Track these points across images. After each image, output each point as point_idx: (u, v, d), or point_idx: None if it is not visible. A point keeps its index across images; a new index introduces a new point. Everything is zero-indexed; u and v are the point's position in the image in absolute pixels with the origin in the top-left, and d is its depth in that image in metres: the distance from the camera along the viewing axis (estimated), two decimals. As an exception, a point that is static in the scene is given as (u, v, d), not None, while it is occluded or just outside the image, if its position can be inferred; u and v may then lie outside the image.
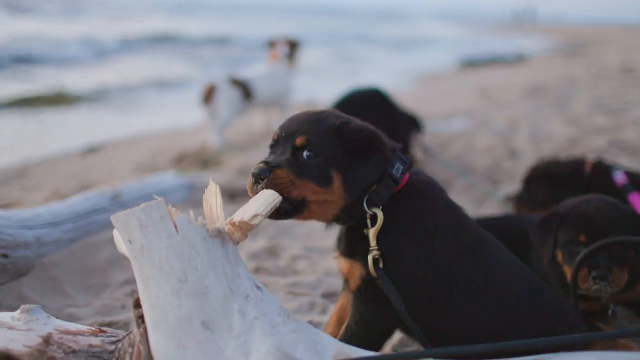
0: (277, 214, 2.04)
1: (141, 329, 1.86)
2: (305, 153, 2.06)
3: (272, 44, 8.21)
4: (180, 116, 10.27)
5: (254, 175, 2.03)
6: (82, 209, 3.83)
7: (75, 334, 1.99)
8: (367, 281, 2.15)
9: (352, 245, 2.19)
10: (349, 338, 2.21)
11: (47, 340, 1.95)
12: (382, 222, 2.11)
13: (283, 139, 2.13)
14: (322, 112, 2.21)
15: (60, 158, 7.96)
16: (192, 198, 4.73)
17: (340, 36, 32.12)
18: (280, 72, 8.01)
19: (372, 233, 2.12)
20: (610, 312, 2.71)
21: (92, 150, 8.17)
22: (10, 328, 1.99)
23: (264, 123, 8.45)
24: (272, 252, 3.81)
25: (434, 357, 1.78)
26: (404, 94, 11.79)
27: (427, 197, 2.23)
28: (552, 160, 4.00)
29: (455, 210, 2.31)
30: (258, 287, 1.89)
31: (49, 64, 16.85)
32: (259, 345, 1.75)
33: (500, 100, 9.78)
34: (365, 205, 2.12)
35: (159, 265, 1.82)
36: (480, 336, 2.08)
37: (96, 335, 2.00)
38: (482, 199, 4.89)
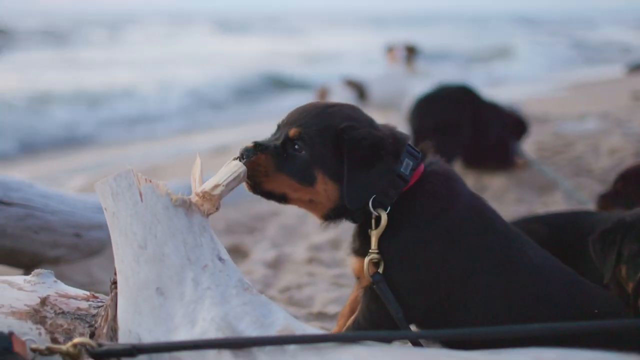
0: (255, 191, 2.04)
1: (113, 294, 1.93)
2: (294, 146, 1.98)
3: (390, 50, 8.18)
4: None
5: (241, 151, 2.00)
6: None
7: (69, 297, 2.11)
8: None
9: (362, 244, 2.09)
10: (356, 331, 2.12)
11: (44, 301, 2.08)
12: (384, 225, 1.99)
13: (283, 125, 2.06)
14: (333, 107, 2.08)
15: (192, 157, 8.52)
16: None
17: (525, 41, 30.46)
18: (397, 75, 7.93)
19: (374, 235, 2.01)
20: None
21: (221, 150, 8.63)
22: (20, 289, 2.15)
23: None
24: (335, 244, 3.76)
25: (375, 340, 1.65)
26: (550, 99, 11.10)
27: (441, 192, 2.06)
28: None
29: (477, 204, 2.14)
30: (220, 259, 1.88)
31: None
32: (206, 314, 1.74)
33: (650, 101, 8.81)
34: (370, 205, 1.99)
35: (124, 231, 1.87)
36: None
37: (87, 300, 2.10)
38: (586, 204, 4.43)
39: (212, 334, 1.69)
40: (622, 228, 2.26)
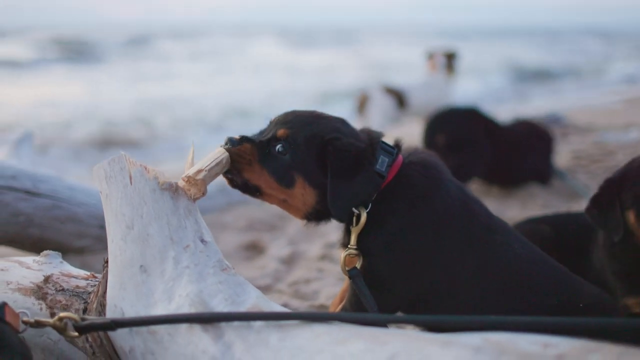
0: (232, 184, 2.13)
1: (104, 272, 2.05)
2: (278, 146, 2.05)
3: (430, 56, 8.18)
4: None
5: (226, 140, 2.09)
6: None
7: (71, 276, 2.24)
8: (363, 270, 2.10)
9: (348, 240, 2.15)
10: None
11: (47, 279, 2.21)
12: (364, 223, 2.04)
13: (274, 123, 2.13)
14: (325, 118, 2.15)
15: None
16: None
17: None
18: (437, 83, 7.93)
19: (354, 232, 2.07)
20: None
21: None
22: (28, 268, 2.30)
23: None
24: (350, 243, 3.80)
25: (336, 320, 1.70)
26: (599, 111, 10.82)
27: (418, 182, 2.09)
28: None
29: (459, 192, 2.16)
30: (203, 241, 1.97)
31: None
32: (182, 290, 1.83)
33: None
34: None
35: (115, 212, 1.99)
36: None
37: (86, 279, 2.23)
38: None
39: (186, 309, 1.77)
40: (613, 184, 2.36)
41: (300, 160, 2.03)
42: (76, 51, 29.17)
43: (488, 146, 4.93)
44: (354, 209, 2.05)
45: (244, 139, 2.08)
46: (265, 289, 3.13)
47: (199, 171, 1.98)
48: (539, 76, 21.87)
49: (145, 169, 2.01)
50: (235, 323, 1.70)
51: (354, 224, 2.06)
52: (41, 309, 2.13)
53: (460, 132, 4.96)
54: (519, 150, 5.10)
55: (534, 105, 12.01)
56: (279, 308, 1.80)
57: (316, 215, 2.12)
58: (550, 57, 29.47)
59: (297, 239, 3.93)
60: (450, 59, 8.02)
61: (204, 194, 2.05)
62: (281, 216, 4.37)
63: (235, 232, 4.04)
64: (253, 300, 1.81)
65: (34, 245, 3.43)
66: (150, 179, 1.98)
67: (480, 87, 18.06)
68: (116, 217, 1.98)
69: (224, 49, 32.45)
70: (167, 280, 1.86)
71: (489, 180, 5.20)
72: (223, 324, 1.71)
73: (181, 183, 2.02)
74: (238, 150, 2.06)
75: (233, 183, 2.12)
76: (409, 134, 8.45)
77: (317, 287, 3.10)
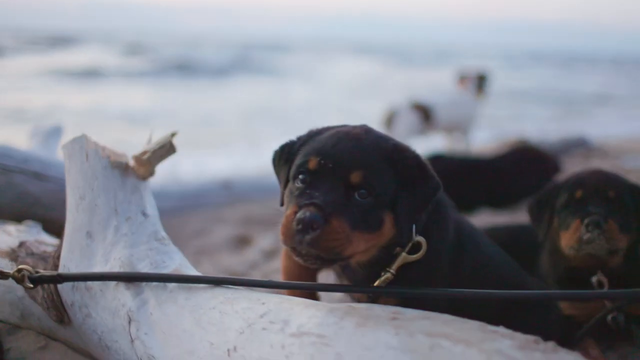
0: (317, 263, 1.69)
1: (62, 237, 2.32)
2: (358, 192, 1.67)
3: (461, 78, 8.27)
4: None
5: (302, 222, 1.58)
6: (190, 190, 4.52)
7: (42, 243, 2.53)
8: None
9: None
10: None
11: (21, 244, 2.50)
12: (424, 252, 1.81)
13: (330, 169, 1.69)
14: (366, 131, 1.82)
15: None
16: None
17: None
18: (465, 99, 8.00)
19: (402, 259, 1.82)
20: (610, 318, 2.31)
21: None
22: (9, 234, 2.60)
23: (446, 148, 8.45)
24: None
25: (272, 287, 1.92)
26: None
27: (448, 223, 2.02)
28: None
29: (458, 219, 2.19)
30: (144, 214, 2.21)
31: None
32: (117, 254, 2.08)
33: None
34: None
35: (72, 185, 2.26)
36: None
37: (54, 246, 2.51)
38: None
39: (117, 270, 2.02)
40: (555, 189, 2.48)
41: (383, 192, 1.70)
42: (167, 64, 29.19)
43: (474, 183, 5.11)
44: (414, 237, 1.81)
45: (326, 211, 1.60)
46: (239, 275, 3.35)
47: (144, 152, 2.23)
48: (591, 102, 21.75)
49: (102, 149, 2.27)
50: (154, 283, 1.93)
51: (406, 251, 1.82)
52: (12, 268, 2.40)
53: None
54: (512, 175, 5.31)
55: (570, 129, 11.80)
56: (196, 273, 2.03)
57: (386, 248, 1.81)
58: (610, 83, 29.05)
59: (286, 235, 4.14)
60: (481, 81, 8.08)
61: (151, 174, 2.31)
62: (280, 214, 4.58)
63: (230, 225, 4.29)
64: (175, 266, 2.04)
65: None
66: (103, 157, 2.24)
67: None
68: (72, 189, 2.25)
69: (314, 65, 32.75)
70: (107, 245, 2.11)
71: (491, 206, 5.33)
72: (143, 284, 1.95)
73: (132, 163, 2.28)
74: (331, 232, 1.60)
75: (320, 264, 1.72)
76: (433, 148, 8.56)
77: (287, 277, 3.29)
